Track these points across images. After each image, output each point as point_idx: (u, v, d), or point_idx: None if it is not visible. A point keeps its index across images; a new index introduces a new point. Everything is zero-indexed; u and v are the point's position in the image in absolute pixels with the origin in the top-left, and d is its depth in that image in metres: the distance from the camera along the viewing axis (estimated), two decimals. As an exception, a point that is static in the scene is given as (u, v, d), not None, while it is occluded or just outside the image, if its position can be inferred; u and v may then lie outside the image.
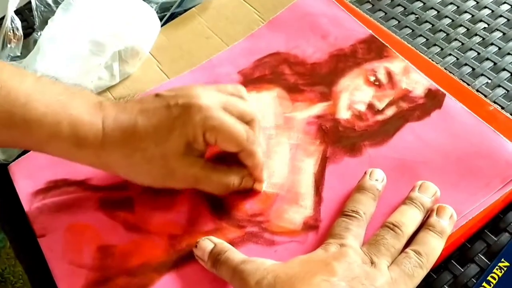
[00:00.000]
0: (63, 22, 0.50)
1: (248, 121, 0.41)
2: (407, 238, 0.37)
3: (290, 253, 0.39)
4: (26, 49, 0.51)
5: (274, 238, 0.41)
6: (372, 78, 0.49)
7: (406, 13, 0.56)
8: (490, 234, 0.40)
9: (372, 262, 0.35)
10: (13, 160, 0.48)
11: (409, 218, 0.38)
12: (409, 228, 0.38)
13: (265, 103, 0.49)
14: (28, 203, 0.45)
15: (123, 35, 0.52)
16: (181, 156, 0.39)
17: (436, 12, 0.55)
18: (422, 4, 0.56)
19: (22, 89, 0.38)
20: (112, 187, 0.45)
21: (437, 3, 0.56)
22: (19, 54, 0.53)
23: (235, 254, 0.37)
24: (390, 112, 0.46)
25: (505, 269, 0.38)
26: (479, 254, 0.39)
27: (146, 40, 0.55)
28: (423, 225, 0.38)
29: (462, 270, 0.39)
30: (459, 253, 0.40)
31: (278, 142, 0.46)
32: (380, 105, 0.47)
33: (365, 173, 0.41)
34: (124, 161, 0.40)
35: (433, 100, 0.46)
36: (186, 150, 0.39)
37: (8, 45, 0.52)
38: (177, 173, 0.40)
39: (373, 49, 0.51)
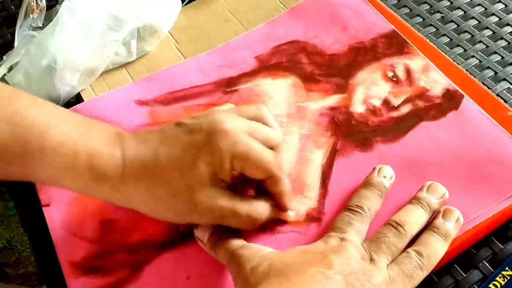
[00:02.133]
0: None
1: (272, 147, 0.39)
2: (409, 238, 0.37)
3: (291, 242, 0.39)
4: (48, 21, 0.50)
5: (276, 227, 0.40)
6: (390, 74, 0.48)
7: (432, 11, 0.54)
8: (497, 242, 0.40)
9: (372, 259, 0.35)
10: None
11: (414, 218, 0.37)
12: (413, 228, 0.37)
13: (279, 91, 0.48)
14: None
15: (143, 13, 0.51)
16: (208, 188, 0.36)
17: (462, 13, 0.54)
18: (449, 3, 0.55)
19: (39, 116, 0.36)
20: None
21: (465, 3, 0.54)
22: (40, 25, 0.53)
23: (233, 238, 0.37)
24: (405, 109, 0.46)
25: (508, 278, 0.37)
26: (484, 261, 0.39)
27: (166, 19, 0.54)
28: (428, 226, 0.38)
29: (465, 275, 0.38)
30: (463, 258, 0.39)
31: (289, 131, 0.46)
32: (395, 102, 0.46)
33: (373, 169, 0.41)
34: (146, 196, 0.36)
35: (450, 100, 0.45)
36: (212, 181, 0.36)
37: (31, 16, 0.52)
38: (203, 206, 0.36)
39: (394, 44, 0.50)
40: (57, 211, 0.43)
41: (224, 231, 0.38)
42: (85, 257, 0.40)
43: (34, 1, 0.52)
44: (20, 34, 0.52)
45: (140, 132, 0.40)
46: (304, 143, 0.45)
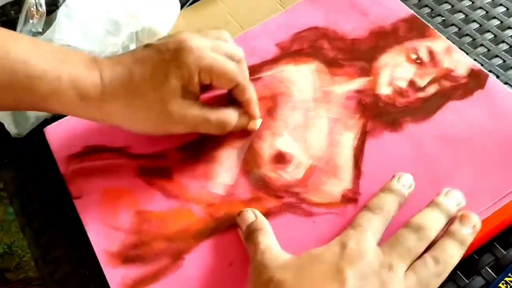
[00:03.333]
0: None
1: (236, 61, 0.43)
2: (428, 243, 0.35)
3: (329, 224, 0.39)
4: (49, 26, 0.50)
5: (311, 209, 0.40)
6: (413, 56, 0.48)
7: (454, 11, 0.54)
8: (500, 248, 0.39)
9: (391, 267, 0.34)
10: (26, 135, 0.49)
11: (433, 222, 0.36)
12: (433, 232, 0.36)
13: (303, 76, 0.48)
14: (64, 165, 0.45)
15: (141, 16, 0.51)
16: (179, 99, 0.40)
17: (484, 12, 0.53)
18: (470, 3, 0.54)
19: (20, 48, 0.39)
20: (151, 156, 0.45)
21: (486, 3, 0.54)
22: (41, 30, 0.52)
23: (263, 237, 0.37)
24: (431, 90, 0.46)
25: (511, 284, 0.37)
26: (486, 267, 0.38)
27: (165, 22, 0.54)
28: (445, 231, 0.36)
29: (467, 281, 0.38)
30: (465, 264, 0.38)
31: (316, 115, 0.46)
32: (421, 83, 0.46)
33: (393, 176, 0.40)
34: (124, 110, 0.41)
35: (475, 80, 0.46)
36: (183, 93, 0.40)
37: (31, 21, 0.52)
38: (175, 116, 0.41)
39: (415, 28, 0.50)
40: (90, 203, 0.42)
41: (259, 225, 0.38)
42: (123, 247, 0.40)
43: (34, 6, 0.52)
44: None
45: (113, 56, 0.44)
46: (333, 127, 0.45)
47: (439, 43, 0.49)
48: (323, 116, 0.45)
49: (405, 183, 0.39)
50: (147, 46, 0.42)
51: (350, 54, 0.49)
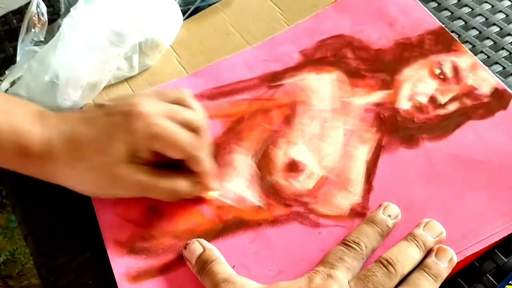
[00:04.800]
0: (85, 10, 0.50)
1: (193, 129, 0.40)
2: (400, 278, 0.35)
3: (335, 236, 0.39)
4: (50, 35, 0.51)
5: (319, 220, 0.41)
6: (437, 71, 0.47)
7: (473, 14, 0.53)
8: (500, 255, 0.39)
9: None
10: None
11: (407, 257, 0.35)
12: (405, 267, 0.35)
13: (324, 86, 0.48)
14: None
15: (144, 27, 0.51)
16: (125, 164, 0.39)
17: (504, 16, 0.52)
18: (490, 6, 0.53)
19: None
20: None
21: (506, 6, 0.53)
22: (42, 39, 0.53)
23: (220, 268, 0.37)
24: (452, 107, 0.45)
25: None
26: (487, 274, 0.38)
27: (167, 33, 0.54)
28: (419, 264, 0.36)
29: None
30: (466, 271, 0.38)
31: (333, 126, 0.46)
32: (442, 99, 0.46)
33: (379, 205, 0.39)
34: (68, 172, 0.39)
35: (499, 100, 0.45)
36: (130, 158, 0.39)
37: (32, 30, 0.52)
38: (121, 181, 0.39)
39: (441, 41, 0.49)
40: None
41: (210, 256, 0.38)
42: (131, 238, 0.41)
43: (36, 16, 0.52)
44: (22, 48, 0.52)
45: (63, 112, 0.42)
46: (348, 139, 0.45)
47: (465, 59, 0.48)
48: (339, 128, 0.46)
49: (391, 213, 0.38)
50: (99, 106, 0.41)
51: (373, 65, 0.49)
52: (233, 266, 0.39)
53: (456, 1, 0.54)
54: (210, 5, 0.58)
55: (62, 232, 0.44)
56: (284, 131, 0.46)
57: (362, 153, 0.44)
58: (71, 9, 0.50)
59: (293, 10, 0.55)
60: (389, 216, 0.38)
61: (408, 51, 0.49)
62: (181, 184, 0.41)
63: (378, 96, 0.47)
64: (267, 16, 0.56)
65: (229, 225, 0.41)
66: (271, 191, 0.43)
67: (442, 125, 0.44)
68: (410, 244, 0.36)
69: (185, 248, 0.39)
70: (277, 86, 0.49)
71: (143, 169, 0.40)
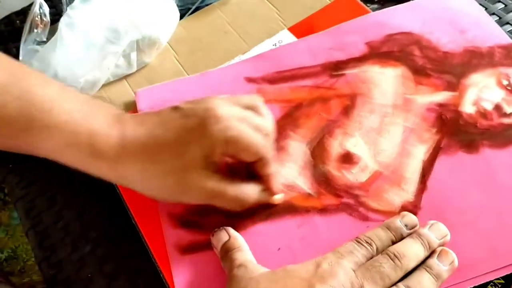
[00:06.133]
0: (82, 9, 0.50)
1: (264, 134, 0.40)
2: (404, 272, 0.35)
3: (383, 232, 0.39)
4: (53, 35, 0.51)
5: (368, 214, 0.41)
6: (505, 82, 0.46)
7: (508, 10, 0.52)
8: None
9: None
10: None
11: (412, 253, 0.36)
12: (410, 263, 0.35)
13: (387, 80, 0.48)
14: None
15: (141, 25, 0.51)
16: (199, 170, 0.38)
17: None
18: (503, 6, 0.52)
19: (47, 95, 0.39)
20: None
21: None
22: (45, 39, 0.53)
23: (239, 254, 0.37)
24: (517, 118, 0.44)
25: (499, 285, 0.36)
26: None
27: (164, 31, 0.54)
28: (422, 264, 0.36)
29: None
30: None
31: (393, 121, 0.45)
32: (508, 109, 0.45)
33: (399, 214, 0.39)
34: (139, 175, 0.39)
35: None
36: (204, 163, 0.39)
37: (35, 30, 0.53)
38: (193, 188, 0.39)
39: (511, 56, 0.48)
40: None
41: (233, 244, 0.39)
42: (184, 211, 0.43)
43: (39, 16, 0.53)
44: (25, 48, 0.52)
45: (139, 114, 0.42)
46: (407, 136, 0.44)
47: (535, 76, 0.46)
48: (399, 124, 0.45)
49: (408, 223, 0.38)
50: (175, 108, 0.40)
51: (440, 65, 0.48)
52: (279, 249, 0.40)
53: (503, 6, 0.53)
54: (207, 4, 0.58)
55: (63, 227, 0.46)
56: (341, 121, 0.46)
57: (419, 152, 0.43)
58: (68, 8, 0.51)
59: (290, 11, 0.55)
60: (406, 225, 0.38)
61: (477, 58, 0.48)
62: (251, 192, 0.41)
63: (442, 96, 0.46)
64: (264, 16, 0.56)
65: (278, 209, 0.42)
66: (323, 180, 0.43)
67: (506, 134, 0.43)
68: (416, 242, 0.37)
69: (213, 235, 0.40)
70: (339, 76, 0.49)
71: (214, 176, 0.39)
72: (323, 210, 0.41)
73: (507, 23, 0.51)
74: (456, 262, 0.36)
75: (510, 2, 0.53)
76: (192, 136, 0.38)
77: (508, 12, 0.52)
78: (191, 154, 0.38)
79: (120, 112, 0.42)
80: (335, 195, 0.42)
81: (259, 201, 0.41)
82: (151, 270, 0.41)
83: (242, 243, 0.39)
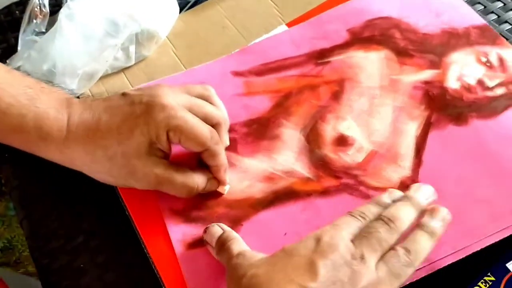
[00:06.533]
0: (82, 1, 0.50)
1: (213, 124, 0.41)
2: (399, 235, 0.36)
3: (385, 208, 0.40)
4: (52, 26, 0.51)
5: (369, 192, 0.42)
6: (483, 59, 0.48)
7: (507, 8, 0.54)
8: None
9: (362, 258, 0.34)
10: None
11: (405, 214, 0.36)
12: (403, 224, 0.36)
13: (372, 63, 0.49)
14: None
15: (140, 18, 0.52)
16: (144, 156, 0.39)
17: None
18: (502, 4, 0.54)
19: None
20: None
21: None
22: (44, 30, 0.53)
23: (235, 245, 0.37)
24: (499, 91, 0.46)
25: (489, 283, 0.37)
26: None
27: (163, 25, 0.54)
28: (416, 224, 0.37)
29: None
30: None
31: (382, 102, 0.46)
32: (490, 83, 0.46)
33: (386, 190, 0.39)
34: (86, 158, 0.40)
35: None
36: (149, 149, 0.39)
37: (34, 21, 0.53)
38: (138, 173, 0.40)
39: (487, 35, 0.50)
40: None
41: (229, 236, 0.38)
42: (186, 207, 0.42)
43: (38, 7, 0.53)
44: (23, 39, 0.52)
45: (88, 99, 0.43)
46: (397, 115, 0.45)
47: (510, 52, 0.48)
48: (388, 104, 0.46)
49: (395, 198, 0.38)
50: (123, 94, 0.41)
51: (421, 46, 0.50)
52: (285, 234, 0.40)
53: (502, 5, 0.54)
54: (206, -1, 0.59)
55: (57, 217, 0.45)
56: (332, 106, 0.47)
57: (411, 129, 0.44)
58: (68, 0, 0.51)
59: (289, 6, 0.56)
60: (393, 201, 0.38)
61: (455, 39, 0.50)
62: (198, 180, 0.41)
63: (427, 74, 0.47)
64: (263, 11, 0.56)
65: (280, 195, 0.42)
66: (320, 164, 0.44)
67: (491, 106, 0.45)
68: (406, 203, 0.37)
69: (205, 232, 0.40)
70: (325, 63, 0.50)
71: (161, 163, 0.40)
72: (324, 193, 0.42)
73: (506, 21, 0.53)
74: (448, 216, 0.37)
75: (510, 1, 0.54)
76: (137, 122, 0.39)
77: (507, 11, 0.54)
78: (135, 140, 0.39)
79: (68, 97, 0.42)
80: (334, 177, 0.43)
81: (206, 189, 0.42)
82: (144, 263, 0.41)
83: (237, 235, 0.39)
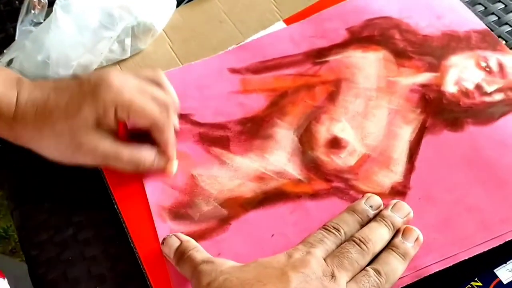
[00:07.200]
0: None
1: (161, 105, 0.42)
2: (372, 256, 0.36)
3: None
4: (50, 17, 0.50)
5: (359, 197, 0.41)
6: (483, 64, 0.47)
7: (507, 10, 0.53)
8: None
9: (333, 276, 0.34)
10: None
11: (378, 236, 0.37)
12: (376, 246, 0.36)
13: (370, 64, 0.48)
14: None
15: (136, 11, 0.51)
16: (91, 131, 0.40)
17: None
18: (503, 6, 0.53)
19: None
20: (212, 125, 0.47)
21: None
22: (42, 21, 0.53)
23: (198, 254, 0.37)
24: (498, 97, 0.45)
25: None
26: None
27: (160, 18, 0.54)
28: (388, 245, 0.37)
29: None
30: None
31: (378, 104, 0.46)
32: (488, 89, 0.46)
33: (362, 196, 0.40)
34: (34, 135, 0.41)
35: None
36: (96, 125, 0.40)
37: (32, 11, 0.53)
38: (85, 147, 0.41)
39: (487, 40, 0.49)
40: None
41: (188, 246, 0.38)
42: (175, 204, 0.42)
43: None
44: (21, 29, 0.52)
45: (39, 80, 0.44)
46: (392, 118, 0.45)
47: (510, 59, 0.47)
48: (384, 106, 0.46)
49: (372, 204, 0.39)
50: (73, 77, 0.42)
51: (420, 48, 0.49)
52: (273, 235, 0.40)
53: (503, 6, 0.54)
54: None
55: (47, 209, 0.45)
56: (327, 107, 0.46)
57: (405, 133, 0.44)
58: None
59: (287, 2, 0.55)
60: (371, 206, 0.39)
61: (455, 42, 0.49)
62: (146, 154, 0.42)
63: (425, 77, 0.47)
64: (261, 6, 0.56)
65: (270, 195, 0.42)
66: (312, 166, 0.43)
67: (488, 112, 0.44)
68: (380, 225, 0.37)
69: (163, 243, 0.39)
70: (322, 63, 0.49)
71: (108, 138, 0.41)
72: (314, 195, 0.42)
73: (506, 23, 0.52)
74: (421, 238, 0.37)
75: (510, 2, 0.53)
76: (84, 99, 0.40)
77: (507, 13, 0.53)
78: (82, 115, 0.40)
79: (19, 77, 0.43)
80: (325, 180, 0.42)
81: (155, 165, 0.43)
82: (131, 257, 0.41)
83: (196, 244, 0.39)
